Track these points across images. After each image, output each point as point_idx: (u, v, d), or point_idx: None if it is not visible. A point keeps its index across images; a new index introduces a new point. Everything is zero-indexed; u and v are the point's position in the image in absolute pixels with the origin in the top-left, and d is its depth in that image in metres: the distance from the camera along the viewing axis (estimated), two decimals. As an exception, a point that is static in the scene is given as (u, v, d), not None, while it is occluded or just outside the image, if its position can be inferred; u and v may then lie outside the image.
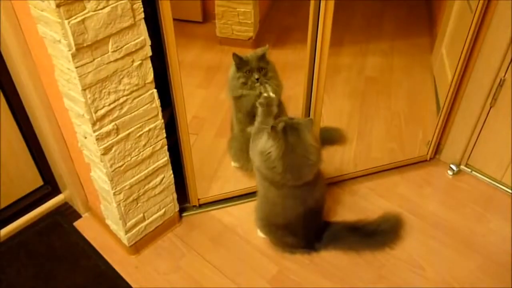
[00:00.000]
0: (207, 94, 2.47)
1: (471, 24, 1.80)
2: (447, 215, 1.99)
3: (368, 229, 1.85)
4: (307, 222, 1.76)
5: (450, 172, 2.17)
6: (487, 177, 2.13)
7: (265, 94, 1.79)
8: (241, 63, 1.80)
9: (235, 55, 1.79)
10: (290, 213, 1.73)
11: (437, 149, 2.22)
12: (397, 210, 2.00)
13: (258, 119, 1.74)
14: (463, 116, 2.06)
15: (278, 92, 1.86)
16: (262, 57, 1.80)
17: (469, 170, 2.17)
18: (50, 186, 2.02)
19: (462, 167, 2.18)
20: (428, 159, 2.22)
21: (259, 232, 1.91)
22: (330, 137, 2.20)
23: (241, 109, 1.89)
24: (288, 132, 1.57)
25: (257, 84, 1.81)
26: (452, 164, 2.18)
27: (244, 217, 1.98)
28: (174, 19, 1.49)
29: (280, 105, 1.89)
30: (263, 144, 1.60)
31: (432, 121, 2.17)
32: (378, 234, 1.85)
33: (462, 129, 2.09)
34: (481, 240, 1.89)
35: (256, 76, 1.79)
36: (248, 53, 1.83)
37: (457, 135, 2.13)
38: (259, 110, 1.72)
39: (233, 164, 2.15)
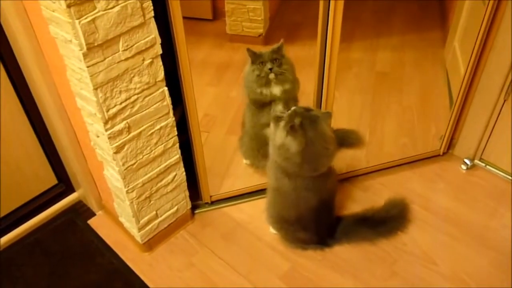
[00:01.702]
0: (218, 92, 2.48)
1: (484, 17, 1.78)
2: (460, 210, 1.97)
3: (378, 217, 1.86)
4: (319, 216, 1.76)
5: (463, 167, 2.15)
6: (501, 171, 2.10)
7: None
8: (255, 56, 1.80)
9: (249, 50, 1.79)
10: (303, 205, 1.72)
11: (450, 144, 2.20)
12: (409, 205, 1.99)
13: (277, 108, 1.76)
14: (476, 110, 2.04)
15: (294, 86, 1.85)
16: (277, 50, 1.79)
17: (483, 164, 2.15)
18: (64, 185, 2.04)
19: (476, 161, 2.16)
20: (441, 153, 2.20)
21: (271, 229, 1.91)
22: (347, 140, 2.16)
23: (254, 103, 1.89)
24: (306, 127, 1.55)
25: (272, 76, 1.79)
26: (466, 158, 2.16)
27: (256, 214, 1.99)
28: (184, 17, 1.50)
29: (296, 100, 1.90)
30: (282, 138, 1.58)
31: (445, 116, 2.15)
32: (388, 220, 1.86)
33: (475, 123, 2.07)
34: (494, 235, 1.87)
35: (269, 66, 1.78)
36: (259, 49, 1.83)
37: (470, 129, 2.10)
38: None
39: (244, 161, 2.15)
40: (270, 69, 1.78)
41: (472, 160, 2.15)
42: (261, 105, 1.87)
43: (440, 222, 1.93)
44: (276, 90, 1.82)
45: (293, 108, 1.62)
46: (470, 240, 1.86)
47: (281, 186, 1.71)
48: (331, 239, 1.84)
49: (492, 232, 1.88)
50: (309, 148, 1.56)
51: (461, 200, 2.01)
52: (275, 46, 1.80)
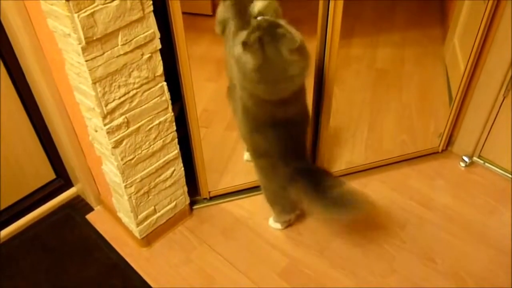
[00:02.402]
0: (217, 87, 2.47)
1: (484, 14, 1.78)
2: (459, 208, 1.97)
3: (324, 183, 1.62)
4: (280, 139, 1.61)
5: (462, 164, 2.15)
6: (500, 169, 2.10)
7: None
8: None
9: None
10: (261, 124, 1.59)
11: (449, 141, 2.20)
12: (408, 202, 1.99)
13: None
14: (475, 107, 2.04)
15: (271, 8, 1.57)
16: None
17: (482, 162, 2.14)
18: (63, 180, 2.04)
19: (474, 158, 2.16)
20: (440, 151, 2.20)
21: (271, 222, 1.91)
22: None
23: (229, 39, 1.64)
24: (265, 44, 1.40)
25: None
26: (465, 155, 2.16)
27: (255, 210, 1.99)
28: (184, 13, 1.49)
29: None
30: (239, 52, 1.44)
31: (444, 113, 2.15)
32: (339, 199, 1.60)
33: (474, 120, 2.07)
34: (493, 233, 1.87)
35: None
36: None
37: (469, 126, 2.10)
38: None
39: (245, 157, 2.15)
40: None
41: (471, 157, 2.15)
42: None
43: (439, 220, 1.93)
44: (260, 4, 1.56)
45: (259, 18, 1.46)
46: (469, 237, 1.86)
47: (246, 104, 1.58)
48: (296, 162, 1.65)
49: (491, 230, 1.88)
50: (267, 66, 1.42)
51: (460, 198, 2.01)
52: None
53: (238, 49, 1.45)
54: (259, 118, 1.59)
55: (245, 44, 1.40)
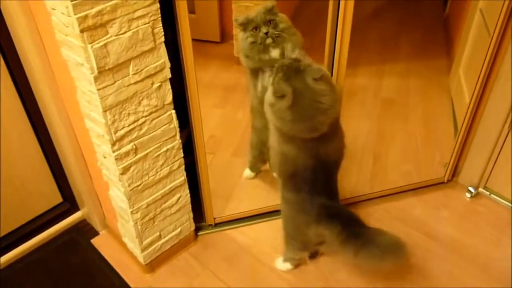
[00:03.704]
0: (224, 114, 2.50)
1: (489, 47, 1.80)
2: (464, 239, 1.96)
3: (366, 232, 1.60)
4: (316, 177, 1.59)
5: (468, 195, 2.15)
6: (506, 200, 2.10)
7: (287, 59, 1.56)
8: (245, 23, 1.61)
9: (236, 19, 1.62)
10: (300, 165, 1.58)
11: (455, 171, 2.20)
12: (413, 233, 1.98)
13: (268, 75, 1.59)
14: (481, 139, 2.05)
15: (298, 42, 1.66)
16: (271, 9, 1.60)
17: (488, 193, 2.14)
18: (69, 203, 2.05)
19: (480, 189, 2.16)
20: (445, 181, 2.20)
21: (279, 264, 1.86)
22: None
23: (252, 69, 1.71)
24: (291, 78, 1.43)
25: (269, 41, 1.60)
26: (470, 186, 2.16)
27: (259, 238, 1.98)
28: (193, 39, 1.51)
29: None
30: (271, 96, 1.47)
31: (449, 143, 2.16)
32: (372, 242, 1.56)
33: (480, 151, 2.07)
34: (498, 265, 1.86)
35: (264, 30, 1.58)
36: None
37: (475, 157, 2.11)
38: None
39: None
40: (266, 33, 1.59)
41: (476, 188, 2.15)
42: (262, 72, 1.70)
43: (443, 251, 1.92)
44: (275, 53, 1.64)
45: (280, 62, 1.49)
46: (473, 269, 1.85)
47: (282, 147, 1.59)
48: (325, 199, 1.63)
49: (495, 262, 1.87)
50: (299, 102, 1.43)
51: (465, 229, 2.00)
52: (268, 5, 1.61)
53: (269, 93, 1.49)
54: (298, 163, 1.58)
55: (273, 89, 1.45)
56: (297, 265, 1.87)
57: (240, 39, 1.68)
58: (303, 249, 1.81)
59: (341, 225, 1.57)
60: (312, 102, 1.45)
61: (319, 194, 1.61)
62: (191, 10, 1.66)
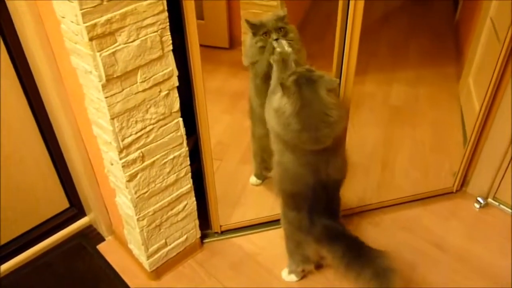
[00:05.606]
0: (232, 120, 2.49)
1: (499, 55, 1.78)
2: (473, 249, 1.94)
3: (366, 252, 1.57)
4: (317, 196, 1.57)
5: (477, 205, 2.12)
6: (515, 211, 2.08)
7: (279, 49, 1.61)
8: (256, 27, 1.64)
9: (247, 21, 1.64)
10: (300, 182, 1.57)
11: (464, 181, 2.18)
12: (421, 242, 1.96)
13: (274, 75, 1.58)
14: (490, 148, 2.02)
15: (302, 60, 1.68)
16: (282, 18, 1.63)
17: (497, 203, 2.12)
18: (76, 209, 2.06)
19: (489, 200, 2.13)
20: (454, 191, 2.18)
21: (284, 276, 1.85)
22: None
23: (258, 74, 1.72)
24: (303, 85, 1.43)
25: (276, 45, 1.62)
26: (479, 196, 2.13)
27: (265, 246, 1.98)
28: (201, 45, 1.51)
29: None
30: (278, 100, 1.46)
31: (459, 152, 2.14)
32: (371, 263, 1.53)
33: (489, 161, 2.05)
34: (507, 276, 1.84)
35: (275, 37, 1.61)
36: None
37: (484, 167, 2.09)
38: (274, 67, 1.57)
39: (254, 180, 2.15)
40: (276, 39, 1.62)
41: (485, 198, 2.13)
42: (267, 78, 1.68)
43: (452, 261, 1.90)
44: (294, 56, 1.64)
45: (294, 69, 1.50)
46: (481, 280, 1.83)
47: (282, 159, 1.58)
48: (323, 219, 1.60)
49: (505, 272, 1.85)
50: (306, 110, 1.42)
51: (473, 239, 1.98)
52: (280, 13, 1.64)
53: (276, 98, 1.48)
54: (298, 178, 1.57)
55: (282, 86, 1.43)
56: (302, 276, 1.85)
57: (249, 44, 1.70)
58: (306, 262, 1.81)
59: (343, 249, 1.56)
60: (320, 113, 1.44)
61: (320, 214, 1.60)
62: (200, 17, 1.66)
